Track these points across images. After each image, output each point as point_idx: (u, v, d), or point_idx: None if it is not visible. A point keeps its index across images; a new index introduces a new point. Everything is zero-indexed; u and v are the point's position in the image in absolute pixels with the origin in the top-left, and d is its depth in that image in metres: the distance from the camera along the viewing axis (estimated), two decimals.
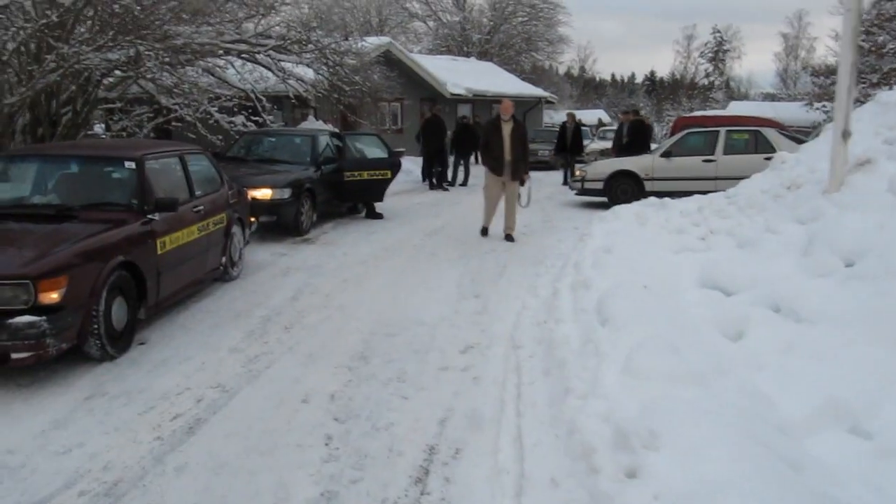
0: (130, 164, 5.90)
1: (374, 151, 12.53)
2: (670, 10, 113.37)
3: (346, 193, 11.85)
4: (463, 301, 7.00)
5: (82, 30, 12.21)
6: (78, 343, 4.91)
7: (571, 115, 19.80)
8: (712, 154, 13.60)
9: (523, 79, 39.74)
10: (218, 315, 6.41)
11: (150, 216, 5.79)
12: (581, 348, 4.48)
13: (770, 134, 13.68)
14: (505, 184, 9.95)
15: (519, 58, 47.36)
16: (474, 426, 4.19)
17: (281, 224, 9.99)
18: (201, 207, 6.74)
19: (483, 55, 43.22)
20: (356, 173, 11.77)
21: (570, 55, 65.09)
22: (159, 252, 5.82)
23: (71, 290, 4.70)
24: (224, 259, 7.35)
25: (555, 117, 47.31)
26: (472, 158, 19.43)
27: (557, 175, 21.50)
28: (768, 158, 13.31)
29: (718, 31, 78.40)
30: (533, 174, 21.45)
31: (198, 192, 6.83)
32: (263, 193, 9.76)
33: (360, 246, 9.79)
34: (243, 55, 16.28)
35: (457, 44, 45.16)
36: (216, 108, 17.48)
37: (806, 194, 7.72)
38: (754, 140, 13.64)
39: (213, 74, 16.96)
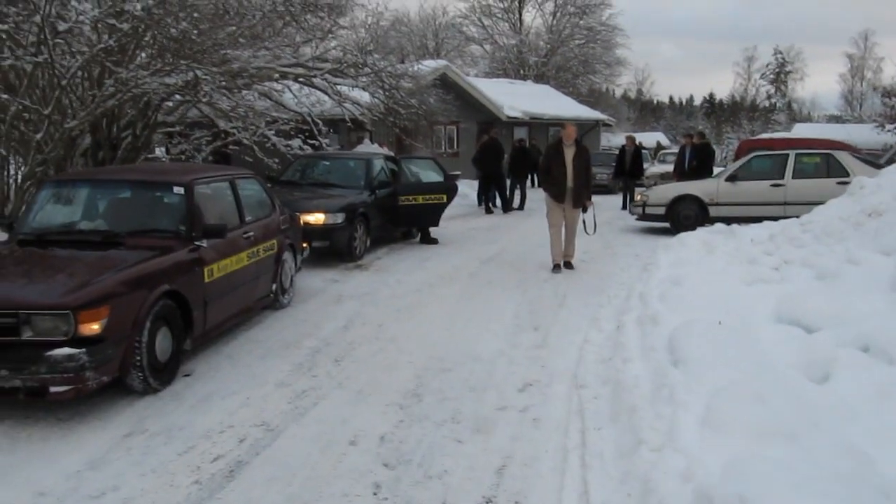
0: (179, 190, 5.74)
1: (430, 175, 12.30)
2: (729, 32, 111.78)
3: (401, 218, 11.63)
4: (521, 334, 6.65)
5: (143, 55, 12.32)
6: (120, 376, 4.72)
7: (631, 139, 19.34)
8: (781, 178, 13.01)
9: (580, 101, 39.33)
10: (266, 345, 6.18)
11: (197, 243, 5.61)
12: (653, 393, 4.09)
13: (842, 157, 13.04)
14: (566, 210, 9.52)
15: (576, 81, 46.98)
16: (535, 476, 3.84)
17: (334, 249, 9.79)
18: (251, 233, 6.55)
19: (540, 78, 42.96)
20: (411, 198, 11.54)
21: (627, 77, 64.49)
22: (207, 280, 5.62)
23: (113, 320, 4.51)
24: (274, 286, 7.15)
25: (612, 140, 46.72)
26: (529, 182, 19.08)
27: (616, 199, 21.01)
28: (841, 183, 12.74)
29: (780, 52, 76.78)
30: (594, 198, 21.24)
31: (248, 218, 6.64)
32: (316, 218, 9.58)
33: (415, 273, 9.52)
34: (300, 79, 16.31)
35: (513, 67, 45.02)
36: (273, 132, 17.56)
37: (891, 222, 7.19)
38: (826, 163, 13.01)
39: (270, 98, 17.03)
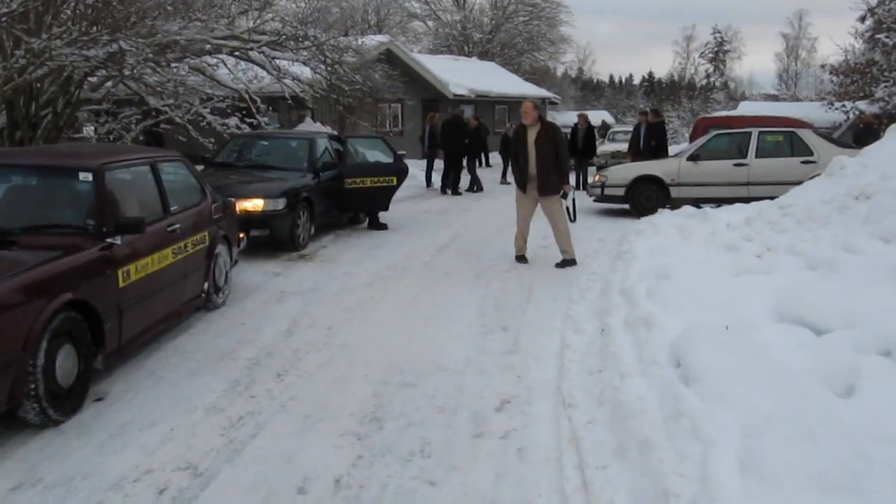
0: (86, 176, 4.79)
1: (379, 156, 11.43)
2: (666, 11, 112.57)
3: (348, 203, 10.76)
4: (489, 336, 5.90)
5: (57, 23, 11.13)
6: (9, 408, 3.82)
7: (584, 117, 18.73)
8: (744, 157, 12.50)
9: (526, 79, 38.70)
10: (196, 357, 5.30)
11: (110, 240, 4.69)
12: (667, 422, 3.38)
13: (806, 135, 12.60)
14: (539, 200, 8.63)
15: (520, 58, 46.29)
16: None
17: (275, 238, 8.89)
18: (177, 226, 5.64)
19: (484, 55, 42.16)
20: (358, 180, 10.68)
21: (569, 56, 64.01)
22: (121, 284, 4.72)
23: None
24: (207, 285, 6.25)
25: (557, 119, 46.26)
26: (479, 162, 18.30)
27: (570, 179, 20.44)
28: (806, 162, 12.33)
29: (719, 32, 77.90)
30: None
31: (174, 207, 5.72)
32: (255, 204, 8.66)
33: (364, 263, 8.69)
34: (236, 53, 15.21)
35: (457, 43, 44.11)
36: (209, 110, 16.50)
37: (885, 205, 6.64)
38: (790, 142, 12.55)
39: (203, 73, 15.92)
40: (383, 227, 11.20)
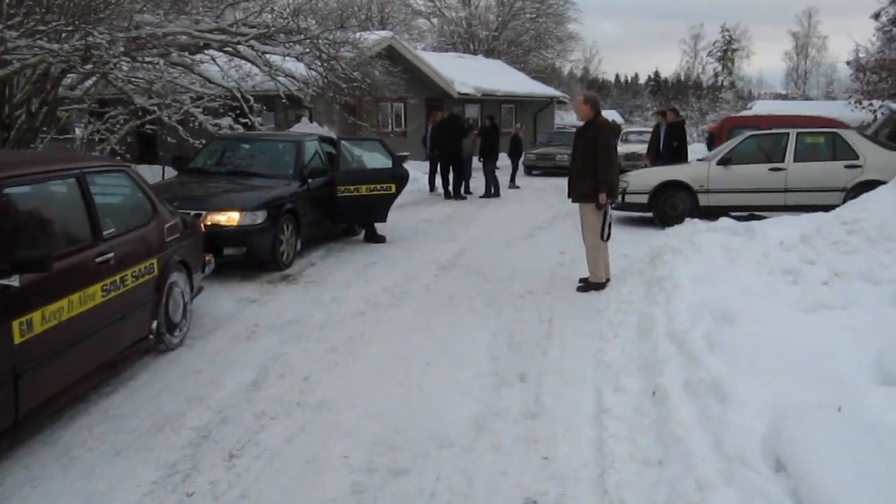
0: None
1: (376, 160, 10.25)
2: (672, 11, 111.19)
3: (341, 213, 9.58)
4: (503, 389, 4.72)
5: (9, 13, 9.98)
6: None
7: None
8: (781, 161, 11.28)
9: (533, 78, 37.47)
10: (129, 426, 4.12)
11: (4, 281, 3.52)
12: None
13: (850, 136, 11.36)
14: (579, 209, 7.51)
15: (527, 56, 45.07)
16: None
17: (253, 258, 7.72)
18: (111, 255, 4.45)
19: (490, 53, 40.99)
20: (352, 188, 9.50)
21: (577, 55, 62.57)
22: (19, 339, 3.54)
23: None
24: (156, 324, 5.07)
25: (566, 118, 45.01)
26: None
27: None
28: (851, 167, 11.12)
29: (727, 30, 76.95)
30: (553, 182, 19.31)
31: (108, 232, 4.54)
32: (229, 218, 7.50)
33: (357, 286, 7.51)
34: (225, 48, 14.09)
35: (462, 41, 42.94)
36: (200, 110, 15.45)
37: None
38: (831, 144, 11.32)
39: (192, 70, 14.81)
40: (381, 239, 10.02)
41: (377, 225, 10.12)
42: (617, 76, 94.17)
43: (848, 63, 26.95)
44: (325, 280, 7.79)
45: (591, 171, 7.13)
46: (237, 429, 4.09)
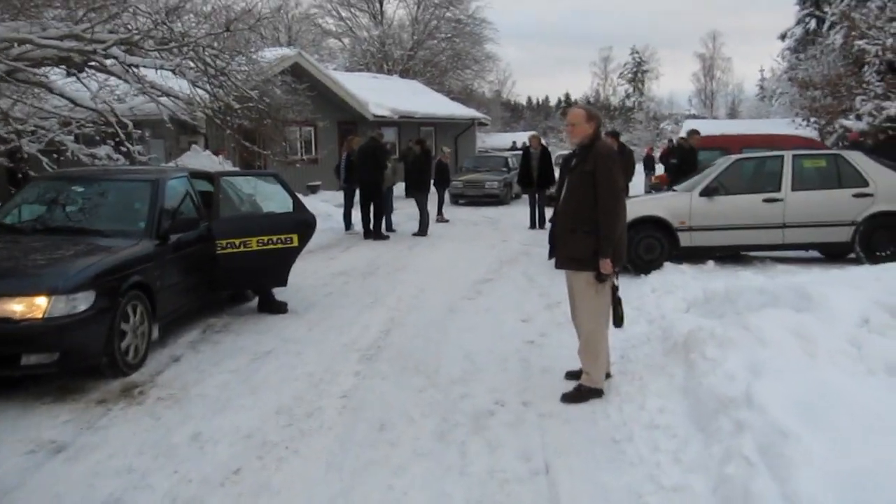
0: None
1: (271, 201, 7.69)
2: (575, 35, 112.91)
3: (222, 278, 6.94)
4: None
5: None
6: None
7: (537, 138, 15.33)
8: (777, 190, 9.21)
9: (452, 99, 35.32)
10: None
11: None
12: None
13: (857, 159, 9.33)
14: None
15: (444, 77, 42.95)
16: None
17: (73, 365, 5.02)
18: None
19: (406, 73, 38.71)
20: (238, 242, 6.90)
21: (492, 76, 60.70)
22: None
23: None
24: None
25: (487, 141, 43.01)
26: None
27: (517, 213, 17.01)
28: (860, 195, 9.14)
29: (637, 52, 77.94)
30: (484, 213, 17.01)
31: None
32: (29, 306, 4.78)
33: (234, 406, 4.88)
34: (91, 63, 11.38)
35: (376, 61, 40.54)
36: (72, 137, 12.72)
37: None
38: (835, 168, 9.31)
39: (51, 90, 12.03)
40: (280, 308, 7.41)
41: (276, 289, 7.52)
42: (529, 98, 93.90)
43: (791, 80, 25.87)
44: (188, 393, 5.12)
45: (587, 223, 4.74)
46: None
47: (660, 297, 7.35)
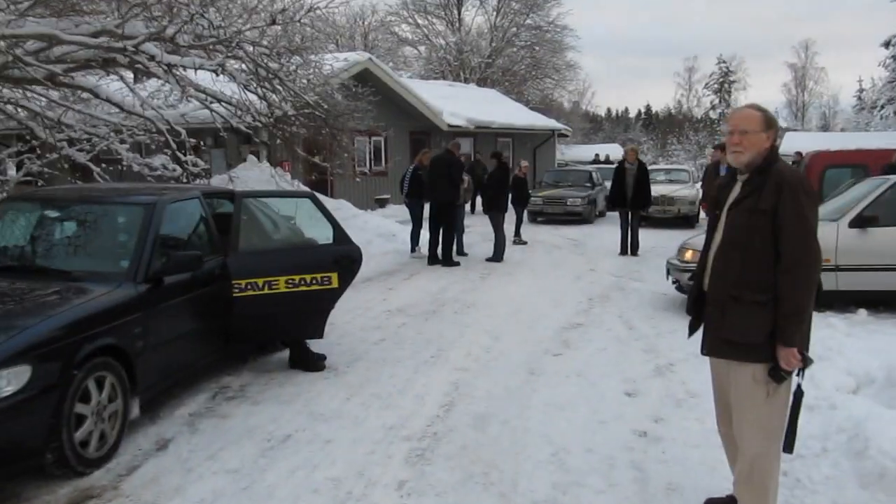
0: None
1: (306, 228, 6.16)
2: (654, 47, 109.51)
3: (241, 327, 5.42)
4: None
5: None
6: None
7: (634, 151, 13.36)
8: None
9: (531, 110, 33.56)
10: None
11: None
12: None
13: None
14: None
15: (523, 86, 41.25)
16: None
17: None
18: None
19: (483, 82, 37.19)
20: (261, 282, 5.36)
21: (572, 86, 58.45)
22: None
23: None
24: None
25: (566, 153, 40.96)
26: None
27: (604, 234, 15.13)
28: None
29: (724, 62, 74.49)
30: (565, 233, 15.08)
31: None
32: None
33: None
34: (138, 65, 10.29)
35: (453, 70, 39.19)
36: (126, 146, 11.74)
37: None
38: None
39: (97, 94, 11.02)
40: (316, 365, 5.84)
41: (312, 341, 5.96)
42: (608, 109, 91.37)
43: None
44: None
45: (761, 289, 3.01)
46: None
47: (811, 365, 5.47)
